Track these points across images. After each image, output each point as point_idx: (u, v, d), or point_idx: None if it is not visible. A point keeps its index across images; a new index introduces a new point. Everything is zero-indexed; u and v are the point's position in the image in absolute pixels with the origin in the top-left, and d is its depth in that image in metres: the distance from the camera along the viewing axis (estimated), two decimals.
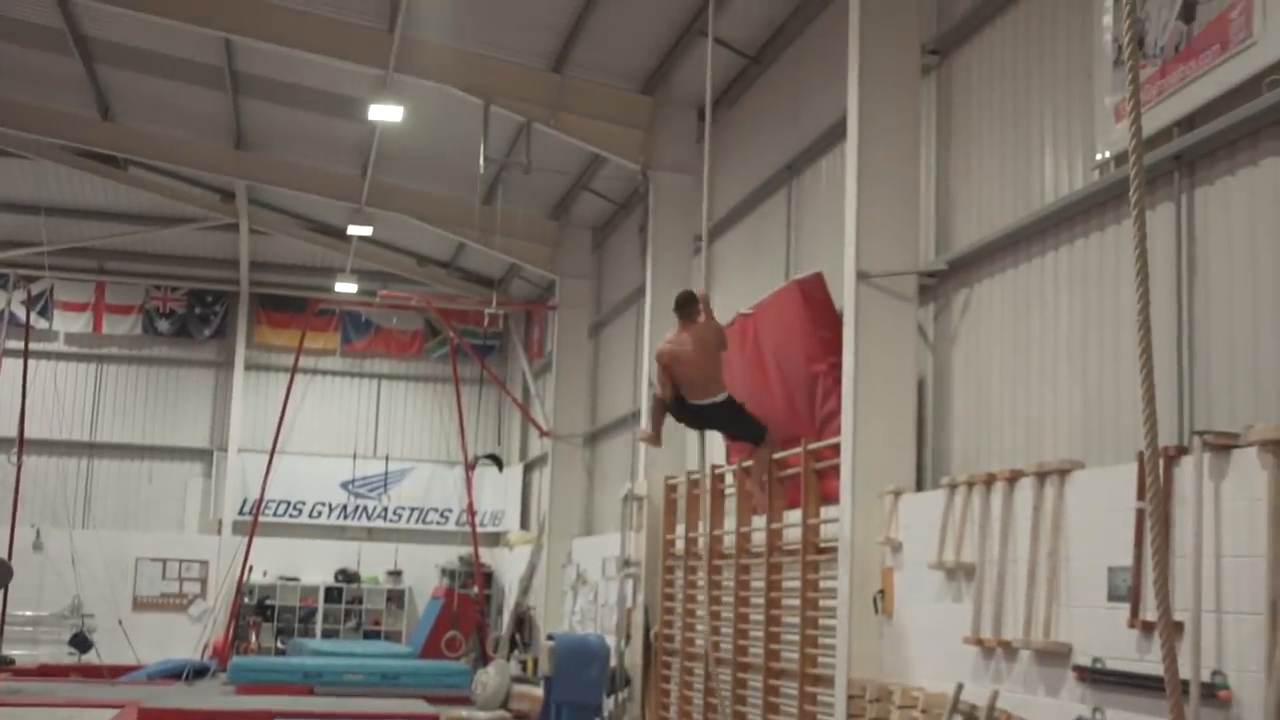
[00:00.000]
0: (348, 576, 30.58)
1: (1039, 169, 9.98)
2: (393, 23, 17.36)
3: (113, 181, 26.08)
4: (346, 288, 28.29)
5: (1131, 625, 7.60)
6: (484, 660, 22.14)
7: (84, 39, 20.13)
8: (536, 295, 28.96)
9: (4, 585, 18.23)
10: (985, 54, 10.90)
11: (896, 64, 11.50)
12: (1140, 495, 7.55)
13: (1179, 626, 7.02)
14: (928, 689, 9.98)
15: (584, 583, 22.13)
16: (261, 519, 25.77)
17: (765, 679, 13.49)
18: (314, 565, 30.62)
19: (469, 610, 24.29)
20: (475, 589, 26.17)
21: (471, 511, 25.78)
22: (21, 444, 21.20)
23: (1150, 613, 7.39)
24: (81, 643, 25.54)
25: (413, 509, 31.27)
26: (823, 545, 12.59)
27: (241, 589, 25.36)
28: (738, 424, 11.66)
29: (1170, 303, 8.14)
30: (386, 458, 30.93)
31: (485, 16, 17.30)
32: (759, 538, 14.32)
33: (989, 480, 9.51)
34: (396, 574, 30.80)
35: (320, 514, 30.91)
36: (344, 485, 30.90)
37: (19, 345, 26.27)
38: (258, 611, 29.28)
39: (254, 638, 28.31)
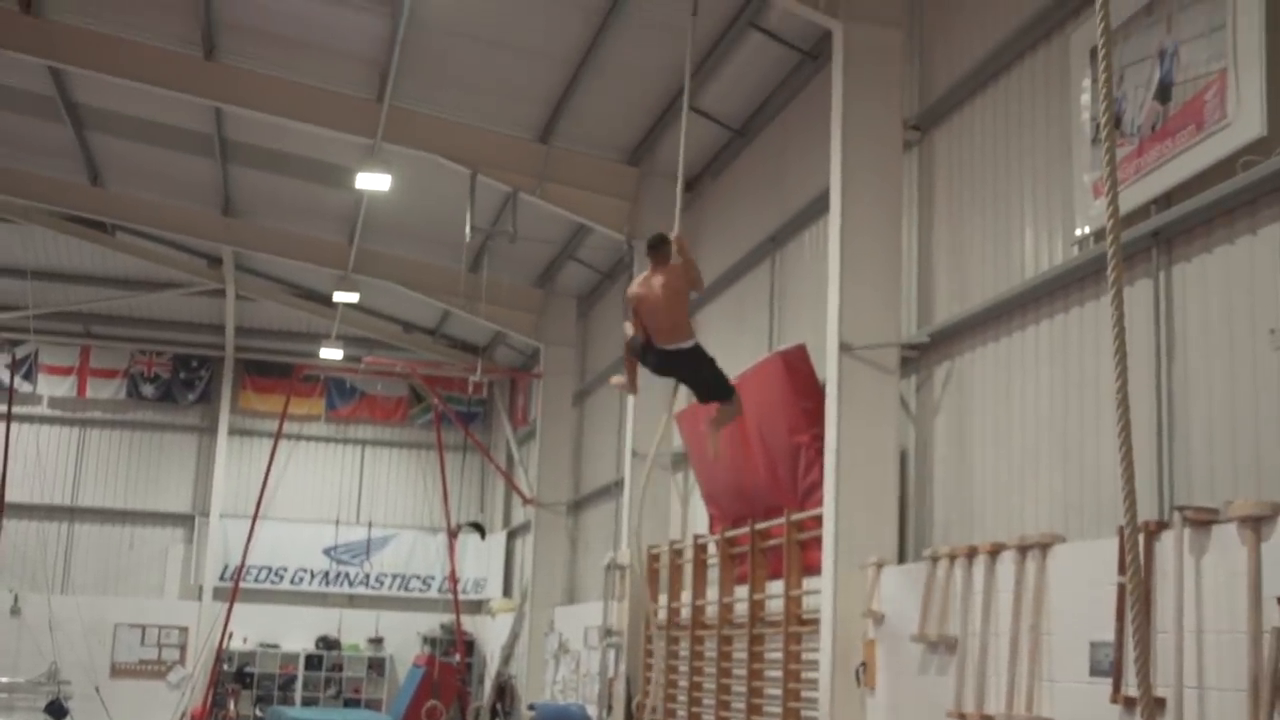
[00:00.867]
0: (328, 644, 30.33)
1: (1020, 243, 10.09)
2: (381, 93, 17.53)
3: (100, 246, 26.15)
4: (332, 354, 28.29)
5: (1114, 700, 7.59)
6: None
7: (75, 106, 20.27)
8: (521, 363, 29.00)
9: None
10: (966, 130, 11.05)
11: (879, 139, 11.65)
12: (1121, 570, 7.57)
13: (1161, 702, 7.02)
14: None
15: (566, 652, 22.00)
16: (242, 585, 25.63)
17: None
18: (294, 632, 30.37)
19: (450, 679, 24.12)
20: (457, 657, 25.99)
21: (454, 579, 25.67)
22: (1, 508, 21.13)
23: (1132, 688, 7.37)
24: (57, 710, 25.29)
25: (395, 576, 31.08)
26: (805, 617, 12.57)
27: (221, 656, 25.16)
28: (704, 376, 10.87)
29: (1150, 377, 8.22)
30: (369, 524, 30.81)
31: (473, 88, 17.48)
32: (741, 608, 14.29)
33: (971, 553, 9.52)
34: (378, 641, 30.56)
35: (302, 580, 30.70)
36: (326, 551, 30.73)
37: (1, 409, 26.25)
38: (237, 679, 29.00)
39: (233, 706, 28.05)
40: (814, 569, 12.29)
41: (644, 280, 10.55)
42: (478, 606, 30.38)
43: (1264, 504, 6.73)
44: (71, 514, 30.09)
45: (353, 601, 30.89)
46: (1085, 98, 9.11)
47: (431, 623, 30.42)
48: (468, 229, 18.80)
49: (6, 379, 27.18)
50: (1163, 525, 7.44)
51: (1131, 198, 8.31)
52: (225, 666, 27.14)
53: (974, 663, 9.30)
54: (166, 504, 30.68)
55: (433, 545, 30.50)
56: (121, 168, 22.87)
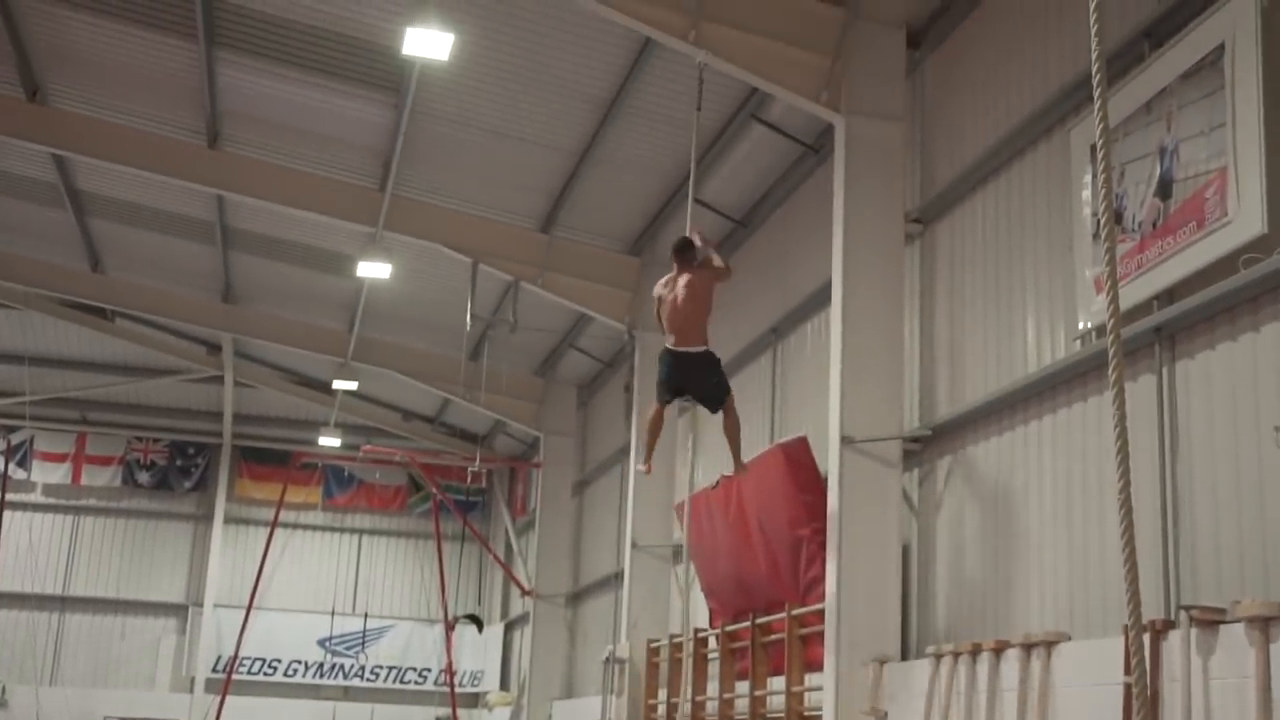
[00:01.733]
0: None
1: (1022, 337, 10.07)
2: (383, 182, 17.64)
3: (99, 332, 26.16)
4: (330, 441, 28.22)
5: None
6: None
7: (78, 192, 20.39)
8: (521, 451, 28.91)
9: None
10: (968, 223, 11.08)
11: (880, 231, 11.66)
12: (1127, 670, 7.44)
13: None
14: None
15: None
16: (236, 676, 25.30)
17: None
18: None
19: None
20: None
21: (450, 671, 25.36)
22: None
23: None
24: None
25: (391, 668, 30.69)
26: (807, 714, 12.37)
27: None
28: (712, 382, 10.83)
29: (1155, 473, 8.14)
30: (365, 615, 30.51)
31: (475, 177, 17.60)
32: (742, 704, 14.07)
33: (975, 650, 9.38)
34: None
35: (296, 672, 30.31)
36: (321, 643, 30.38)
37: None
38: None
39: None
40: (816, 665, 12.12)
41: (668, 281, 10.82)
42: (475, 700, 29.99)
43: (1272, 604, 6.63)
44: (62, 603, 29.79)
45: (348, 694, 30.50)
46: (1086, 193, 9.13)
47: (428, 716, 29.96)
48: (468, 318, 18.81)
49: (1, 466, 27.01)
50: (1169, 624, 7.33)
51: (1133, 293, 8.30)
52: None
53: None
54: (160, 593, 30.41)
55: (430, 637, 30.19)
56: (122, 253, 22.95)
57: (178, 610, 30.43)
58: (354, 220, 18.50)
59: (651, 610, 17.85)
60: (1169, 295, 8.23)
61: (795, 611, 12.64)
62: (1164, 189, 8.24)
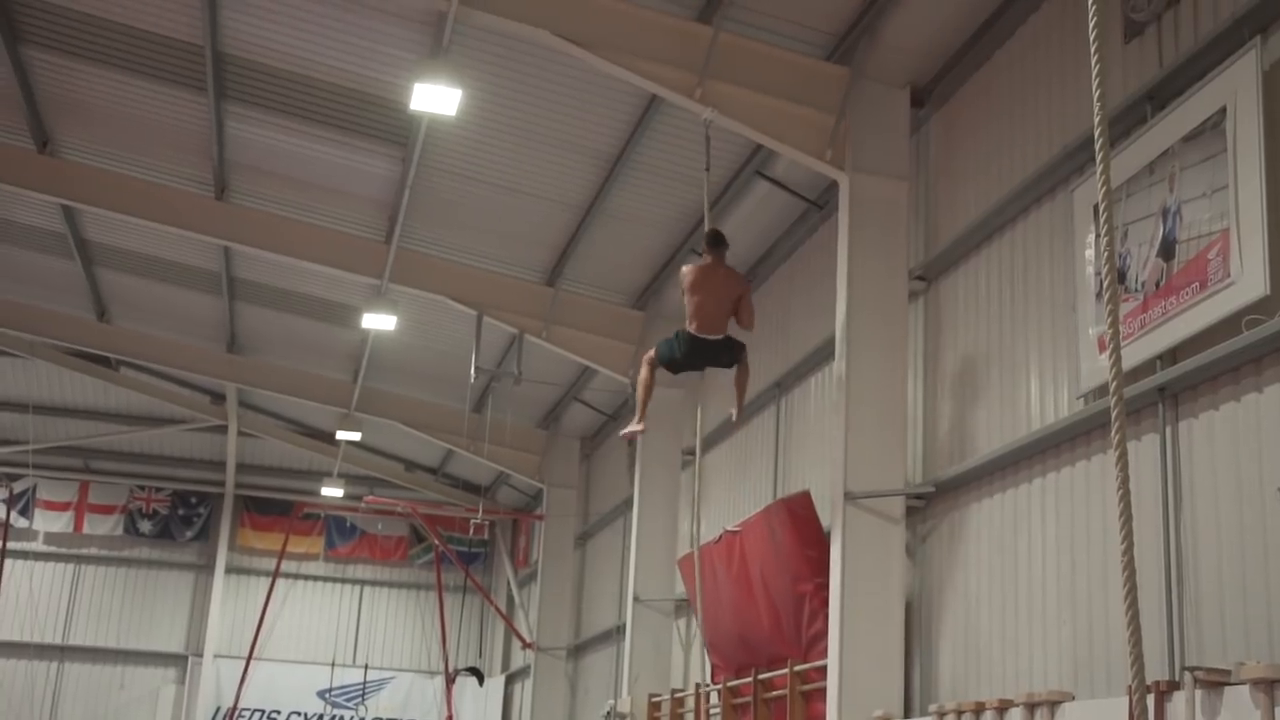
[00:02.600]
0: None
1: (1025, 395, 10.09)
2: (390, 234, 17.73)
3: (103, 381, 26.21)
4: (333, 492, 28.19)
5: None
6: None
7: (85, 243, 20.51)
8: (524, 503, 28.86)
9: None
10: (971, 282, 11.13)
11: (884, 288, 11.72)
12: None
13: None
14: None
15: None
16: None
17: None
18: None
19: None
20: None
21: None
22: None
23: None
24: None
25: None
26: None
27: None
28: (726, 356, 11.18)
29: (1158, 533, 8.14)
30: (366, 666, 30.34)
31: (481, 231, 17.70)
32: None
33: (978, 709, 9.33)
34: None
35: None
36: (321, 694, 30.21)
37: None
38: None
39: None
40: None
41: (703, 269, 10.94)
42: None
43: (1277, 667, 6.60)
44: (62, 653, 29.66)
45: None
46: (1089, 253, 9.18)
47: None
48: (472, 370, 18.85)
49: (2, 514, 26.98)
50: (1174, 685, 7.30)
51: (1136, 353, 8.33)
52: None
53: None
54: (160, 643, 30.28)
55: (430, 689, 30.02)
56: (128, 303, 23.05)
57: (177, 660, 30.29)
58: (359, 272, 18.59)
59: (653, 664, 17.78)
60: (1172, 355, 8.26)
61: (798, 668, 12.59)
62: (1167, 249, 8.29)
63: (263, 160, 17.12)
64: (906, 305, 11.79)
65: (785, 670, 12.79)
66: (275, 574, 25.04)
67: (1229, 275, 7.65)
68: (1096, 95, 5.07)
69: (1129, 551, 5.02)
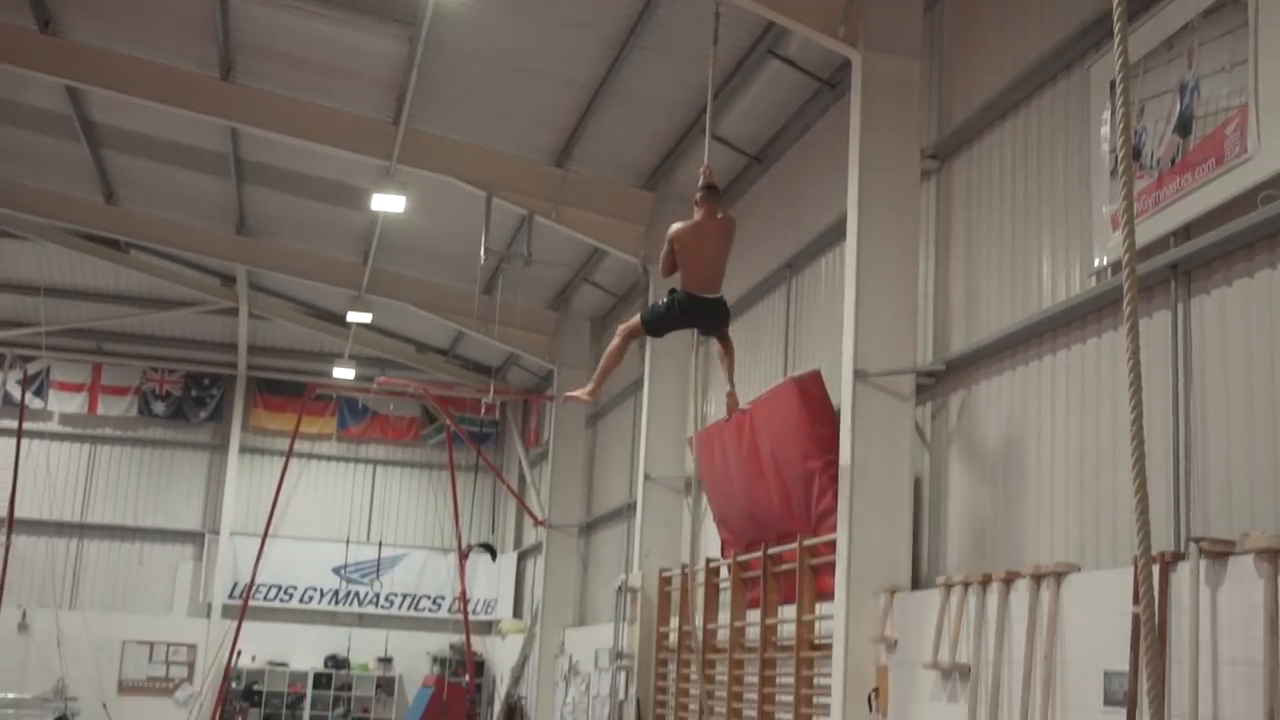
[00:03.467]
0: (337, 663, 30.33)
1: (1037, 273, 10.12)
2: (398, 115, 17.63)
3: (114, 264, 26.27)
4: (344, 373, 28.37)
5: None
6: None
7: (91, 124, 20.40)
8: (534, 384, 29.04)
9: None
10: (984, 160, 11.09)
11: (896, 167, 11.68)
12: (1136, 600, 7.57)
13: None
14: None
15: (576, 674, 21.98)
16: (251, 603, 25.63)
17: None
18: (303, 651, 30.38)
19: (459, 699, 24.08)
20: (466, 678, 25.96)
21: (464, 599, 25.64)
22: (11, 524, 21.13)
23: (1147, 719, 7.37)
24: None
25: (405, 595, 31.09)
26: (817, 642, 12.57)
27: (229, 674, 25.16)
28: (718, 321, 10.99)
29: (1167, 409, 8.23)
30: (380, 543, 30.82)
31: (490, 111, 17.58)
32: (753, 633, 14.28)
33: (985, 580, 9.52)
34: (387, 661, 30.55)
35: (311, 599, 30.72)
36: (336, 570, 30.75)
37: (13, 425, 26.33)
38: (245, 697, 29.01)
39: None
40: (827, 594, 12.30)
41: (696, 228, 10.56)
42: (488, 627, 30.37)
43: None
44: (81, 530, 30.16)
45: (362, 621, 30.91)
46: (1104, 130, 9.14)
47: (441, 643, 30.41)
48: (482, 251, 18.86)
49: (18, 395, 27.24)
50: (1179, 556, 7.44)
51: (1150, 230, 8.34)
52: (233, 685, 27.13)
53: (987, 691, 9.29)
54: (176, 521, 30.75)
55: (443, 565, 30.52)
56: (136, 186, 22.99)
57: (194, 538, 30.80)
58: (368, 154, 18.51)
59: (664, 540, 18.06)
60: (1186, 232, 8.27)
61: (807, 542, 12.81)
62: (1183, 126, 8.26)
63: (268, 40, 16.96)
64: (919, 184, 11.77)
65: (794, 545, 13.02)
66: (289, 454, 25.28)
67: (1246, 151, 7.63)
68: None
69: (1138, 421, 5.11)
